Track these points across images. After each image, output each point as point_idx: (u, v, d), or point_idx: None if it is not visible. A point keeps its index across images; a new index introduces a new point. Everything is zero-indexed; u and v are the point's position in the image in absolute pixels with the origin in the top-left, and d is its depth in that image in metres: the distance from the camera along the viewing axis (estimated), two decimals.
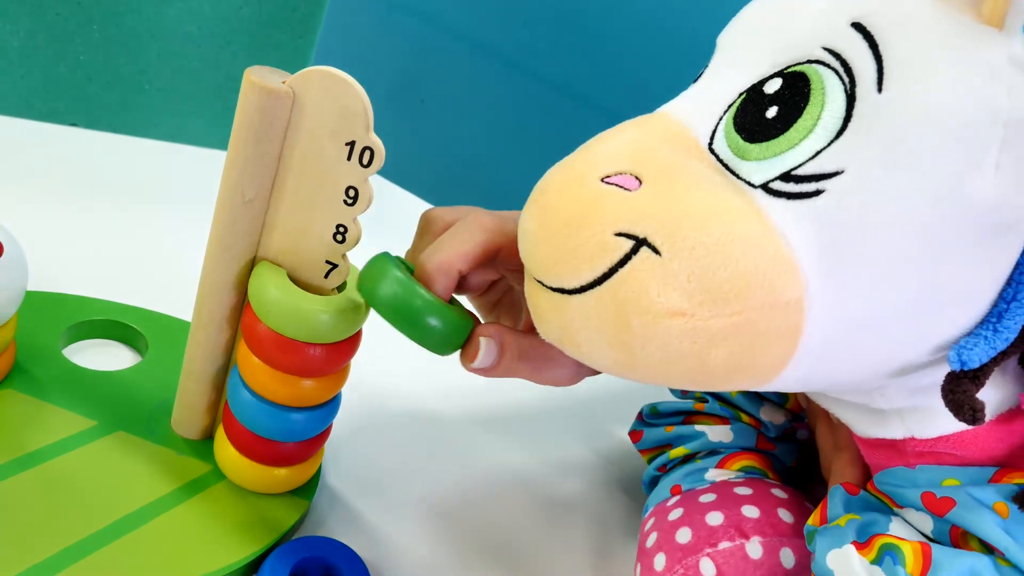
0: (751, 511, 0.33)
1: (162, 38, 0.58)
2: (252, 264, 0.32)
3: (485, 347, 0.29)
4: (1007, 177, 0.23)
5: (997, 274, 0.24)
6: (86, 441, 0.34)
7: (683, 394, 0.40)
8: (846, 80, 0.23)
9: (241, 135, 0.29)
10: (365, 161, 0.29)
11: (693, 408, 0.39)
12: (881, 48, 0.23)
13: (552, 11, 0.87)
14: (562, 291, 0.25)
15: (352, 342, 0.32)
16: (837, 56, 0.23)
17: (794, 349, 0.24)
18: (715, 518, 0.32)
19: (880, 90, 0.23)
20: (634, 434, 0.40)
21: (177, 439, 0.35)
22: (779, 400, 0.38)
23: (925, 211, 0.23)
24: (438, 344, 0.29)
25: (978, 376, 0.24)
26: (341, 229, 0.30)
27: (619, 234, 0.23)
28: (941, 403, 0.26)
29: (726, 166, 0.25)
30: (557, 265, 0.25)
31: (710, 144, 0.25)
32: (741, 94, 0.25)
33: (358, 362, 0.34)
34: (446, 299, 0.30)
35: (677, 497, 0.35)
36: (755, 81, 0.25)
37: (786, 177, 0.24)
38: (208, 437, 0.36)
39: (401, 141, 1.03)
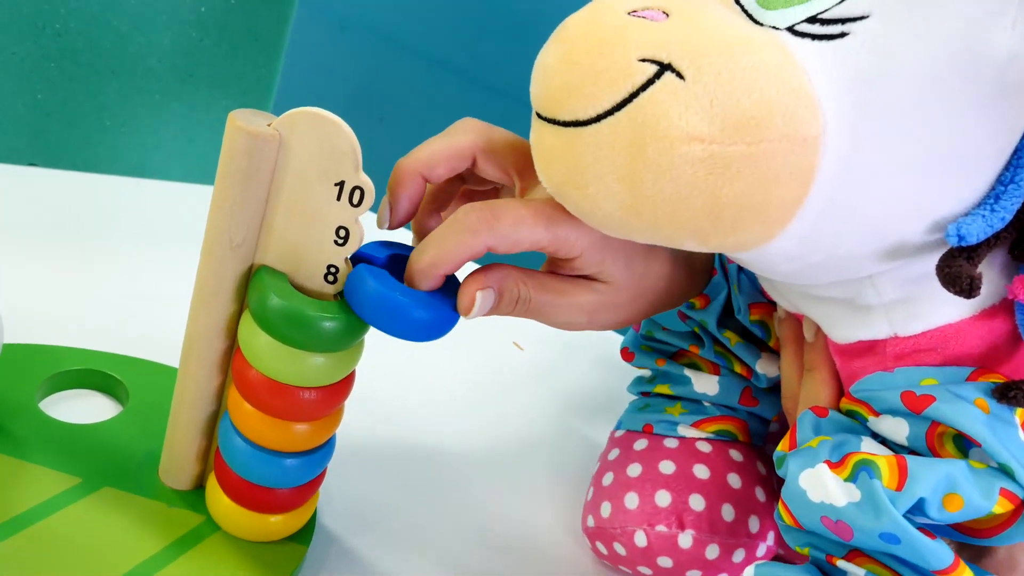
0: (702, 471, 0.37)
1: (122, 73, 0.57)
2: (241, 308, 0.31)
3: (481, 299, 0.29)
4: (1022, 32, 0.23)
5: (1000, 146, 0.25)
6: (72, 500, 0.33)
7: (683, 319, 0.40)
8: None
9: (228, 179, 0.28)
10: (355, 201, 0.28)
11: (687, 348, 0.40)
12: None
13: (507, 23, 0.88)
14: (576, 124, 0.24)
15: (345, 384, 0.32)
16: None
17: (805, 192, 0.24)
18: (663, 497, 0.36)
19: None
20: (626, 353, 0.42)
21: (167, 491, 0.34)
22: (766, 340, 0.38)
23: (943, 58, 0.23)
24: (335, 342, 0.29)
25: (972, 255, 0.25)
26: (332, 270, 0.30)
27: (643, 60, 0.23)
28: (930, 293, 0.27)
29: (750, 16, 0.25)
30: (575, 93, 0.24)
31: None
32: None
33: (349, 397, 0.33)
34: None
35: (646, 440, 0.39)
36: None
37: (812, 20, 0.24)
38: (199, 486, 0.35)
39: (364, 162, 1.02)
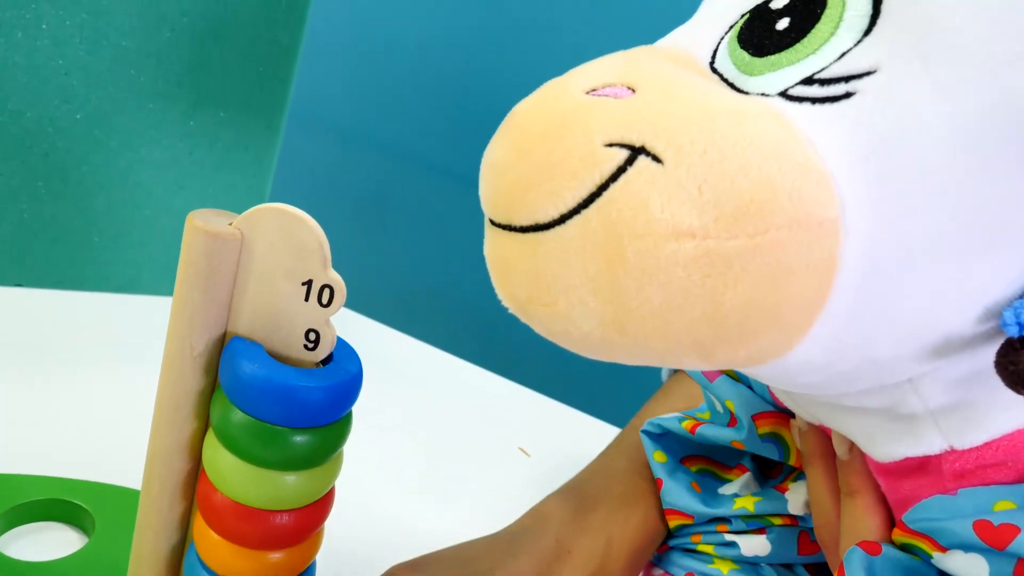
0: None
1: (111, 188, 0.56)
2: (205, 426, 0.28)
3: None
4: None
5: None
6: None
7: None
8: None
9: (187, 284, 0.26)
10: (325, 300, 0.26)
11: (715, 530, 0.34)
12: None
13: None
14: (536, 228, 0.20)
15: (324, 503, 0.29)
16: None
17: (828, 288, 0.19)
18: None
19: None
20: (660, 484, 0.35)
21: None
22: (783, 459, 0.32)
23: (973, 113, 0.19)
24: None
25: None
26: None
27: (610, 144, 0.19)
28: (986, 395, 0.22)
29: (733, 86, 0.21)
30: (531, 191, 0.20)
31: (711, 63, 0.22)
32: (744, 15, 0.22)
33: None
34: None
35: None
36: (759, 1, 0.21)
37: (808, 81, 0.20)
38: None
39: (364, 270, 1.02)
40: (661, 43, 0.23)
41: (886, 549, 0.25)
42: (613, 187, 0.19)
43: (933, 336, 0.21)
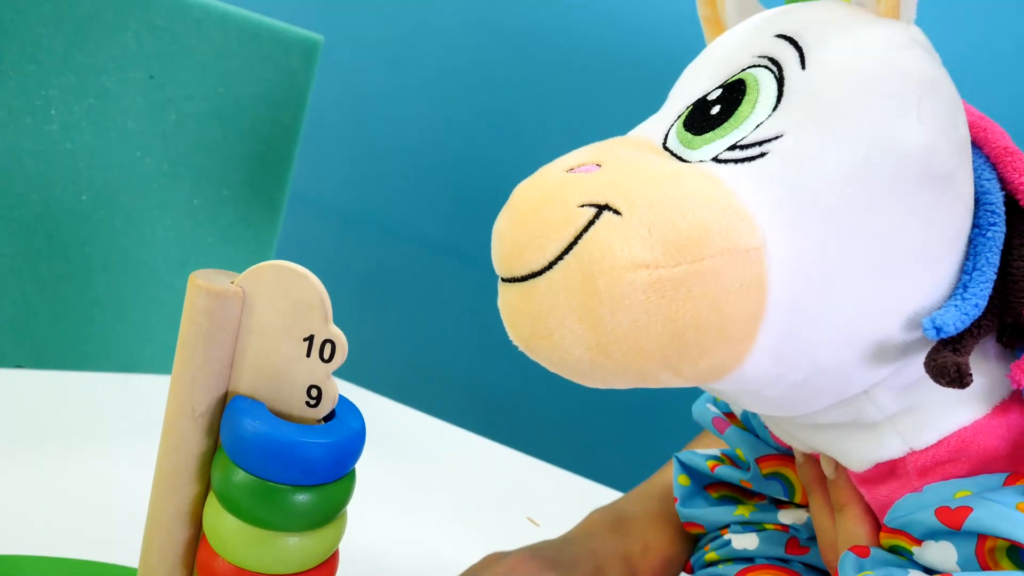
0: None
1: (114, 268, 0.57)
2: (206, 491, 0.28)
3: None
4: (930, 125, 0.25)
5: (947, 235, 0.25)
6: None
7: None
8: (774, 69, 0.26)
9: (189, 344, 0.26)
10: (326, 355, 0.26)
11: (717, 532, 0.38)
12: (799, 40, 0.26)
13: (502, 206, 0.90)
14: (532, 276, 0.25)
15: (328, 568, 0.28)
16: (765, 57, 0.27)
17: (762, 304, 0.24)
18: None
19: (803, 67, 0.26)
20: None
21: None
22: (789, 498, 0.36)
23: (859, 159, 0.24)
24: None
25: (958, 347, 0.24)
26: None
27: (583, 205, 0.24)
28: (932, 398, 0.27)
29: (679, 157, 0.27)
30: (526, 248, 0.25)
31: (664, 144, 0.28)
32: (688, 107, 0.28)
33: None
34: None
35: None
36: (699, 96, 0.28)
37: (732, 148, 0.26)
38: None
39: (366, 347, 1.02)
40: (630, 133, 0.29)
41: (874, 551, 0.29)
42: (585, 236, 0.24)
43: (868, 345, 0.25)
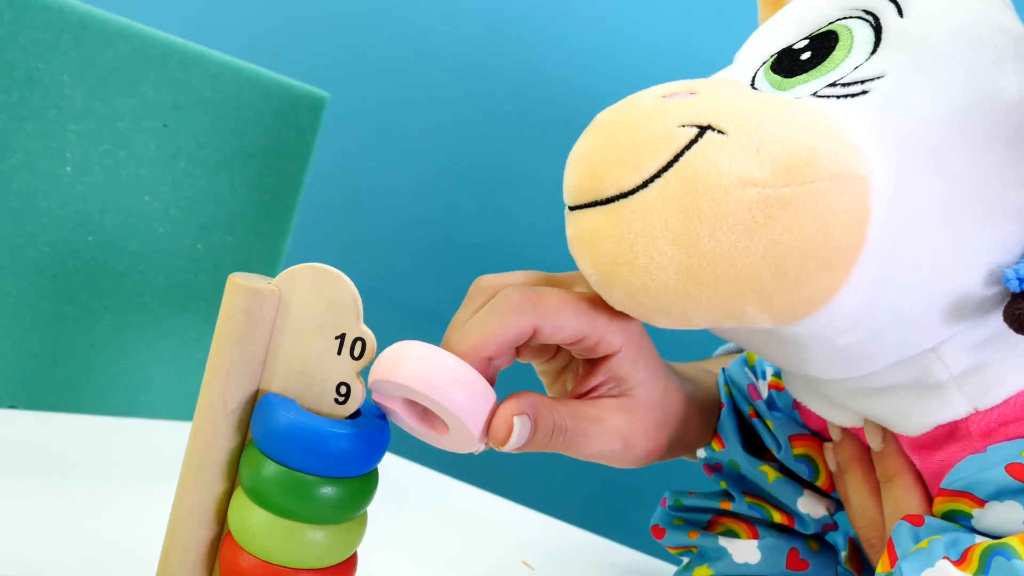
0: None
1: (115, 310, 0.58)
2: (232, 488, 0.29)
3: (519, 426, 0.27)
4: None
5: None
6: None
7: (709, 472, 0.37)
8: (870, 18, 0.26)
9: (226, 340, 0.27)
10: (356, 353, 0.27)
11: (719, 506, 0.37)
12: None
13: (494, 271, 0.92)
14: (620, 196, 0.24)
15: (349, 565, 0.28)
16: (860, 9, 0.27)
17: (864, 233, 0.23)
18: None
19: (901, 16, 0.26)
20: (656, 530, 0.38)
21: None
22: (812, 480, 0.35)
23: (958, 105, 0.25)
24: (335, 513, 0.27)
25: None
26: None
27: (683, 126, 0.24)
28: (1001, 356, 0.26)
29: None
30: (618, 167, 0.24)
31: (751, 85, 0.27)
32: (772, 55, 0.28)
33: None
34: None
35: None
36: (784, 46, 0.28)
37: (832, 85, 0.25)
38: None
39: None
40: (711, 77, 0.29)
41: (928, 520, 0.27)
42: (687, 154, 0.23)
43: (950, 296, 0.25)
